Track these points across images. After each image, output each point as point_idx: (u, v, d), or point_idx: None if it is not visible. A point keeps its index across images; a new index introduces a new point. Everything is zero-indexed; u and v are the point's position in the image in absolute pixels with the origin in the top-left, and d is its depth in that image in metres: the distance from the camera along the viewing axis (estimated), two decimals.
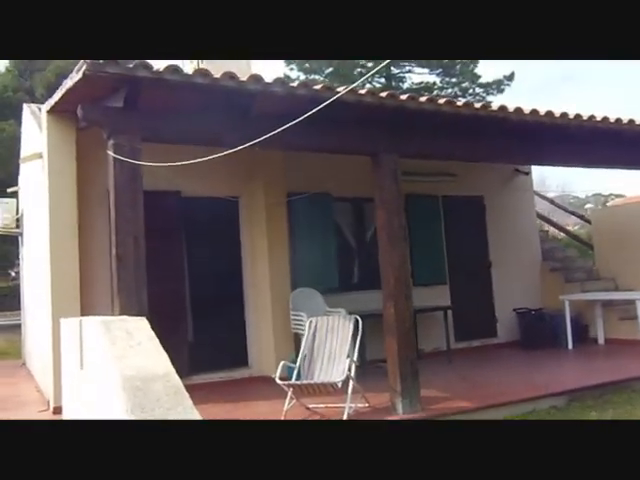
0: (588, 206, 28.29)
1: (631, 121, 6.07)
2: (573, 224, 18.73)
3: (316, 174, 7.49)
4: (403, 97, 4.77)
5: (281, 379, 5.05)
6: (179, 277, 7.00)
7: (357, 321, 5.67)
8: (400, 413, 4.93)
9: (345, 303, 7.25)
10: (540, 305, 9.06)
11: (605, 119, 5.92)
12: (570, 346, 8.05)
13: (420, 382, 5.18)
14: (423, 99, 4.91)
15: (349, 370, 5.00)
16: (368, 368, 6.65)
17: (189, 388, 2.31)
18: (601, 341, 8.27)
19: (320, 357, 5.63)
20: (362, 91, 4.62)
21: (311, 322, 5.81)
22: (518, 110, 5.38)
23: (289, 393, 5.06)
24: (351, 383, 4.98)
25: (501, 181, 9.46)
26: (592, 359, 7.45)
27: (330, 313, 7.12)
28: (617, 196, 34.83)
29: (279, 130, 3.97)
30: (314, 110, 3.85)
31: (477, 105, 5.19)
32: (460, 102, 5.19)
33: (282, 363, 5.19)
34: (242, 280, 7.52)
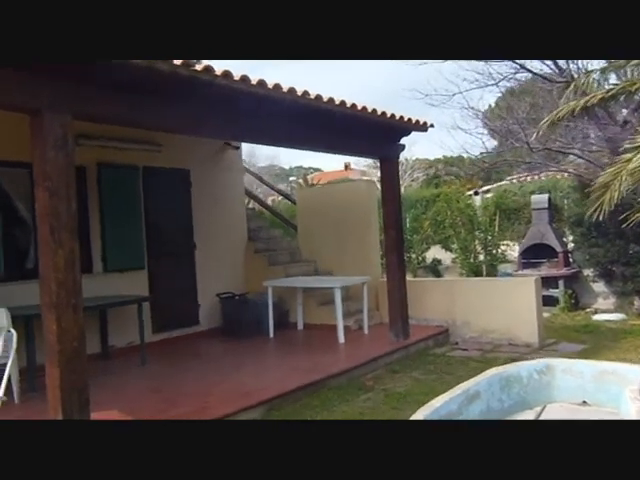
0: (292, 178, 29.80)
1: (343, 102, 5.71)
2: (277, 197, 19.11)
3: None
4: None
5: None
6: None
7: (11, 336, 4.22)
8: None
9: (14, 296, 5.76)
10: (245, 289, 8.59)
11: (319, 97, 5.43)
12: (271, 334, 7.72)
13: (103, 398, 4.02)
14: None
15: None
16: (38, 377, 5.15)
17: None
18: (300, 327, 8.14)
19: None
20: None
21: None
22: (226, 74, 4.45)
23: None
24: None
25: (209, 154, 8.58)
26: (291, 352, 7.06)
27: None
28: (315, 170, 37.99)
29: None
30: None
31: (177, 62, 4.07)
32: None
33: None
34: None
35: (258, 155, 27.85)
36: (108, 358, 6.81)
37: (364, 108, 5.98)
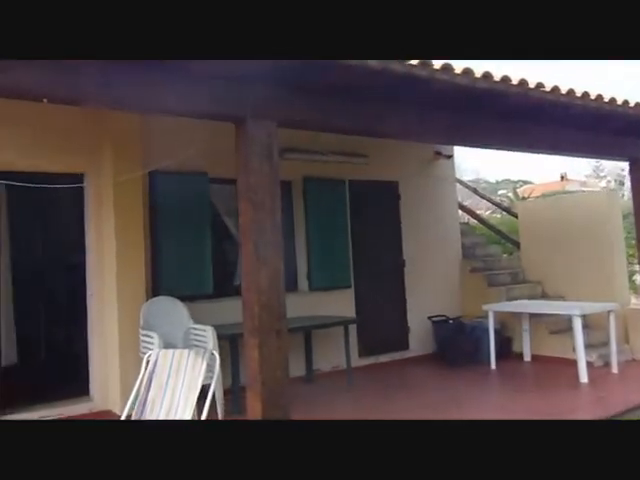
0: (501, 192, 27.93)
1: (599, 96, 4.62)
2: (485, 209, 17.78)
3: (186, 146, 5.69)
4: None
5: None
6: None
7: (214, 358, 4.01)
8: None
9: (222, 312, 5.72)
10: (459, 312, 7.70)
11: (571, 92, 4.41)
12: (493, 365, 6.72)
13: None
14: None
15: None
16: (240, 396, 4.90)
17: None
18: (527, 358, 7.00)
19: (156, 411, 3.86)
20: None
21: (150, 357, 4.05)
22: (467, 71, 3.73)
23: None
24: None
25: (419, 165, 7.93)
26: (520, 390, 5.93)
27: (195, 332, 5.46)
28: (525, 182, 35.27)
29: None
30: None
31: (413, 62, 3.47)
32: None
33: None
34: (85, 283, 5.61)
35: (463, 169, 26.63)
36: (312, 382, 6.44)
37: (612, 100, 4.79)
